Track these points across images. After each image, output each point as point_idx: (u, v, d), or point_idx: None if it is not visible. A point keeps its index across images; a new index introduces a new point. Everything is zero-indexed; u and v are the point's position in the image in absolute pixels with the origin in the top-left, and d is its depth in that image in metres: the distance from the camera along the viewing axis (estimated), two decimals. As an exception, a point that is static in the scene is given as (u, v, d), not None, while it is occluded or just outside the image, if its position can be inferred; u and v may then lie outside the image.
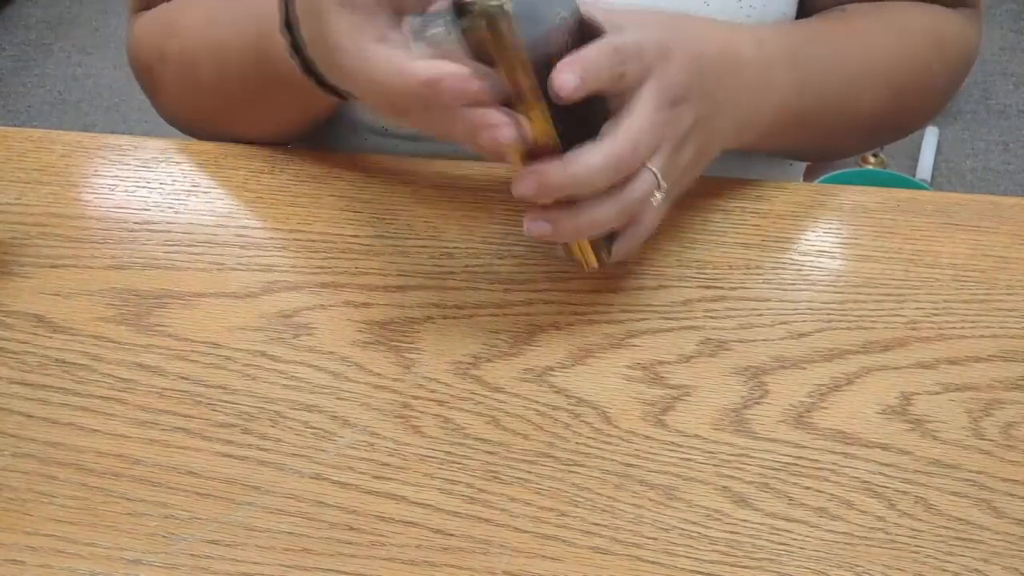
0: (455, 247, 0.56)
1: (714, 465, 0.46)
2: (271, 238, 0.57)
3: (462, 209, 0.58)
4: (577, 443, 0.47)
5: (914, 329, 0.52)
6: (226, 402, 0.49)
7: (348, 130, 0.66)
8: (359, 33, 0.46)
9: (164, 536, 0.44)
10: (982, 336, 0.51)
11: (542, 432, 0.48)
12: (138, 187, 0.60)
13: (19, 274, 0.55)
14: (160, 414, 0.49)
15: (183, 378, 0.50)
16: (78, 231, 0.57)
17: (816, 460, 0.46)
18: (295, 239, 0.57)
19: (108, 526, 0.45)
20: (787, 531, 0.44)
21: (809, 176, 0.95)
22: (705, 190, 0.56)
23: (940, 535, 0.44)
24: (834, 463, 0.46)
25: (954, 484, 0.46)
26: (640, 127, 0.46)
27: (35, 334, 0.52)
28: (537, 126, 0.45)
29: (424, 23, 0.45)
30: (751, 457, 0.47)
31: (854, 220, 0.58)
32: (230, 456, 0.47)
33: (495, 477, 0.46)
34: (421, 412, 0.48)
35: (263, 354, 0.51)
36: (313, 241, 0.56)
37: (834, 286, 0.54)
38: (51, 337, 0.52)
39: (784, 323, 0.52)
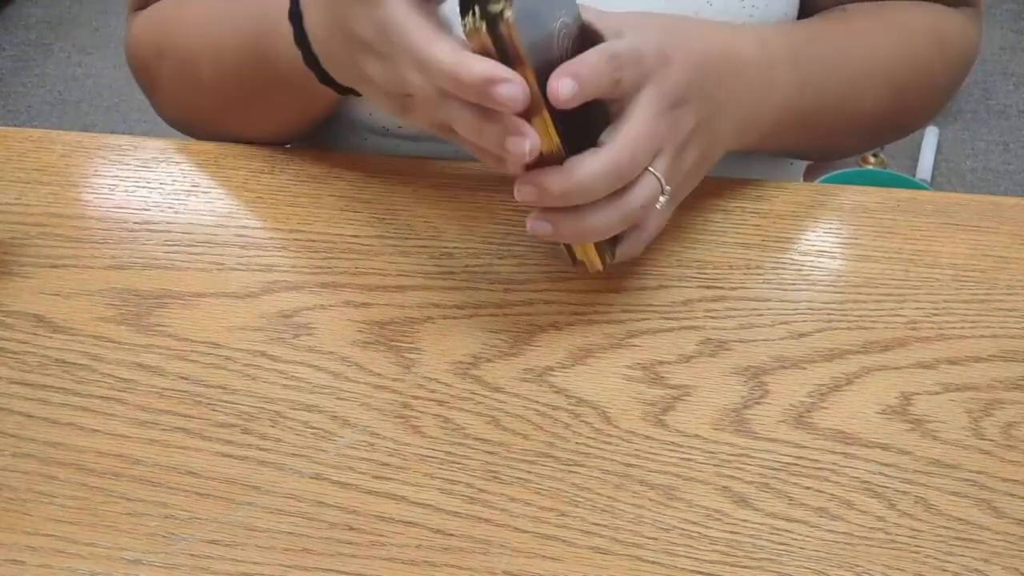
0: (455, 247, 0.56)
1: (714, 465, 0.46)
2: (271, 238, 0.57)
3: (462, 209, 0.58)
4: (577, 443, 0.47)
5: (914, 329, 0.52)
6: (226, 402, 0.49)
7: (348, 130, 0.66)
8: (424, 17, 0.45)
9: (164, 536, 0.44)
10: (982, 336, 0.51)
11: (542, 432, 0.48)
12: (138, 187, 0.60)
13: (19, 274, 0.55)
14: (160, 414, 0.49)
15: (183, 378, 0.50)
16: (78, 231, 0.57)
17: (816, 460, 0.46)
18: (295, 239, 0.57)
19: (108, 526, 0.45)
20: (787, 531, 0.44)
21: (809, 176, 0.95)
22: (705, 190, 0.56)
23: (940, 535, 0.44)
24: (834, 463, 0.46)
25: (954, 484, 0.46)
26: (639, 133, 0.46)
27: (35, 334, 0.52)
28: (539, 131, 0.45)
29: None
30: (751, 457, 0.47)
31: (854, 220, 0.58)
32: (230, 456, 0.47)
33: (495, 477, 0.46)
34: (421, 412, 0.48)
35: (263, 354, 0.51)
36: (313, 241, 0.56)
37: (834, 286, 0.54)
38: (51, 337, 0.52)
39: (784, 323, 0.52)
